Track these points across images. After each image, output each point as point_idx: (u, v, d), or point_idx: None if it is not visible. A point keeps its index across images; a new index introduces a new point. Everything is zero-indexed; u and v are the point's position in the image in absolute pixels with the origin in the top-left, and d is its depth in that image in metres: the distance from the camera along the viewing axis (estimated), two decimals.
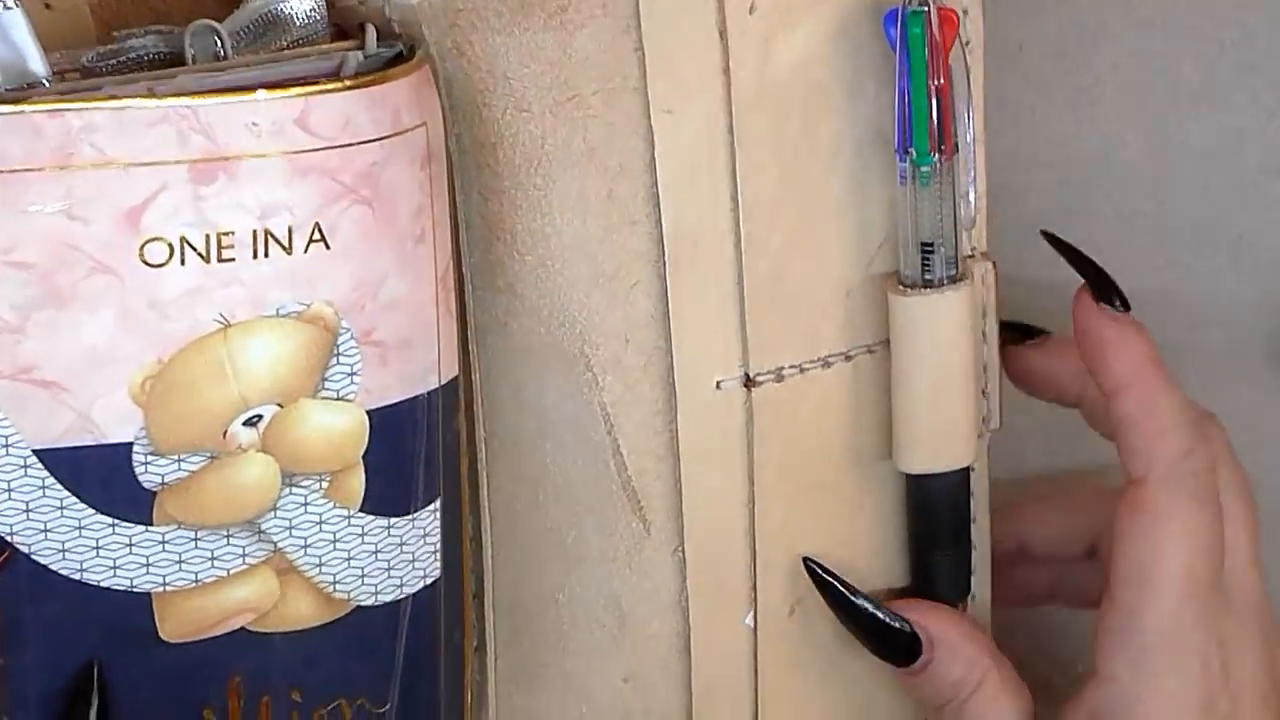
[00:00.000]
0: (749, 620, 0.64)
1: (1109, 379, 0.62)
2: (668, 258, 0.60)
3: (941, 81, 0.59)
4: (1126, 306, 0.63)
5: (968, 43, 0.62)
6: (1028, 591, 0.73)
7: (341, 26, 0.60)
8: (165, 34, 0.58)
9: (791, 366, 0.62)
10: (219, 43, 0.57)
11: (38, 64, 0.54)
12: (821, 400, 0.63)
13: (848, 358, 0.63)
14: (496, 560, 0.65)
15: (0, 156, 0.53)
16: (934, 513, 0.65)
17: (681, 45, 0.59)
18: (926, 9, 0.59)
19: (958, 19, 0.59)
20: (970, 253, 0.64)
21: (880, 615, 0.63)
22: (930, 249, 0.61)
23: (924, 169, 0.61)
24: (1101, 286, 0.63)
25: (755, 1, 0.59)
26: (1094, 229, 0.70)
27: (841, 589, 0.63)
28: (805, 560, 0.63)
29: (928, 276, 0.61)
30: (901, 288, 0.62)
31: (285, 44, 0.58)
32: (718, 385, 0.62)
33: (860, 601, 0.63)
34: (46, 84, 0.54)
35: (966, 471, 0.65)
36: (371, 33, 0.58)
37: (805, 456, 0.64)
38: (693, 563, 0.63)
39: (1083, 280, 0.63)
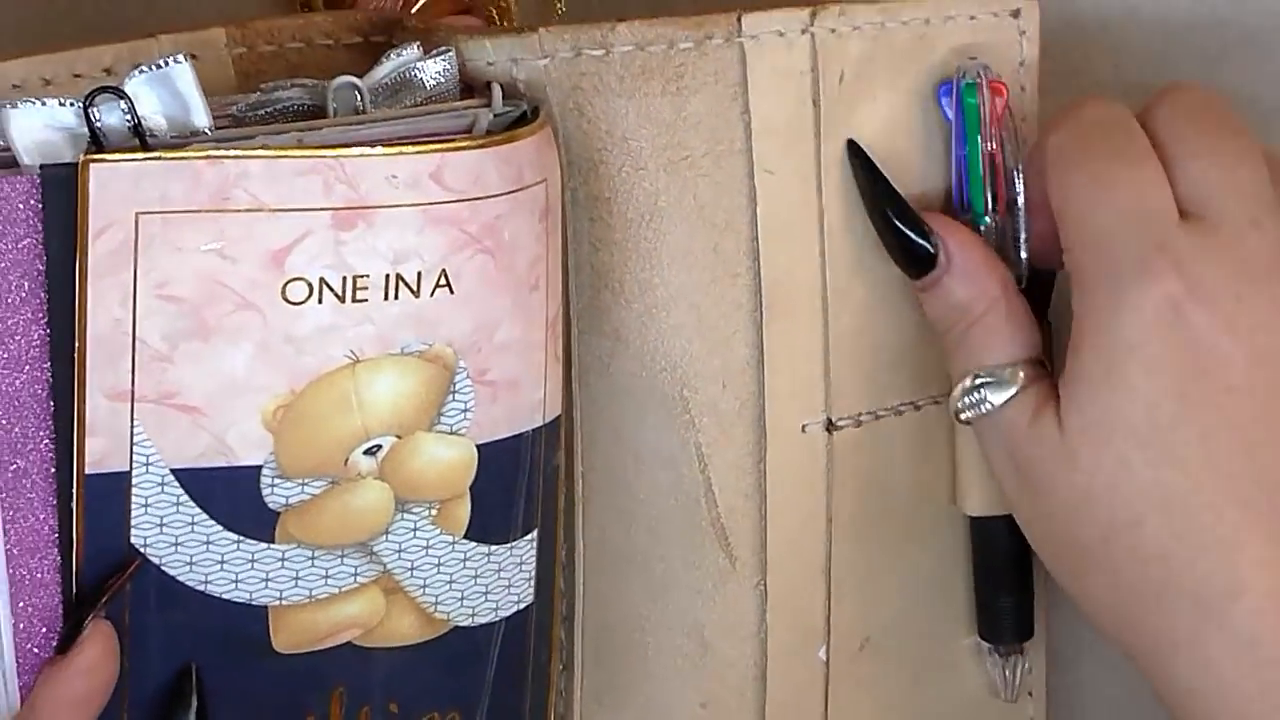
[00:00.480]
0: (822, 653, 0.68)
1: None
2: (764, 307, 0.64)
3: (994, 147, 0.64)
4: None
5: (1023, 119, 0.67)
6: None
7: (469, 84, 0.64)
8: (309, 87, 0.62)
9: (868, 413, 0.67)
10: (359, 97, 0.61)
11: (201, 116, 0.58)
12: (893, 446, 0.67)
13: (916, 407, 0.67)
14: (587, 586, 0.69)
15: (162, 199, 0.57)
16: (995, 555, 0.68)
17: (781, 111, 0.63)
18: (979, 81, 0.63)
19: (1005, 90, 0.63)
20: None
21: (903, 225, 0.63)
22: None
23: (980, 228, 0.65)
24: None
25: (844, 73, 0.63)
26: None
27: (880, 184, 0.64)
28: (849, 142, 0.64)
29: None
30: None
31: (418, 101, 0.62)
32: (803, 429, 0.66)
33: (891, 203, 0.64)
34: (208, 133, 0.58)
35: None
36: (498, 92, 0.62)
37: (878, 498, 0.68)
38: (774, 596, 0.67)
39: None
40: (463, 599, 0.64)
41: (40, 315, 0.58)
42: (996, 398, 0.61)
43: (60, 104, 0.57)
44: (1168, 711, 0.59)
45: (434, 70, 0.62)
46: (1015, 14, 0.65)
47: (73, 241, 0.57)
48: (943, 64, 0.65)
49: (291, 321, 0.59)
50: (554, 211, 0.62)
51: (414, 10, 0.71)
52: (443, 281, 0.60)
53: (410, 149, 0.59)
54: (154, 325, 0.58)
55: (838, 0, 0.62)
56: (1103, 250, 0.58)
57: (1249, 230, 0.58)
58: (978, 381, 0.61)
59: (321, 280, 0.58)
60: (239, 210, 0.57)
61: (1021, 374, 0.61)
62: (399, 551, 0.62)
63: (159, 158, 0.57)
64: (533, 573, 0.65)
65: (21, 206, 0.57)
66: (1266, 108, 0.71)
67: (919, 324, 0.66)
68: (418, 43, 0.63)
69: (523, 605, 0.65)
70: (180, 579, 0.61)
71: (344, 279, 0.59)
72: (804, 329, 0.65)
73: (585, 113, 0.63)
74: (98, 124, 0.57)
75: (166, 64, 0.58)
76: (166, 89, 0.58)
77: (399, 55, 0.62)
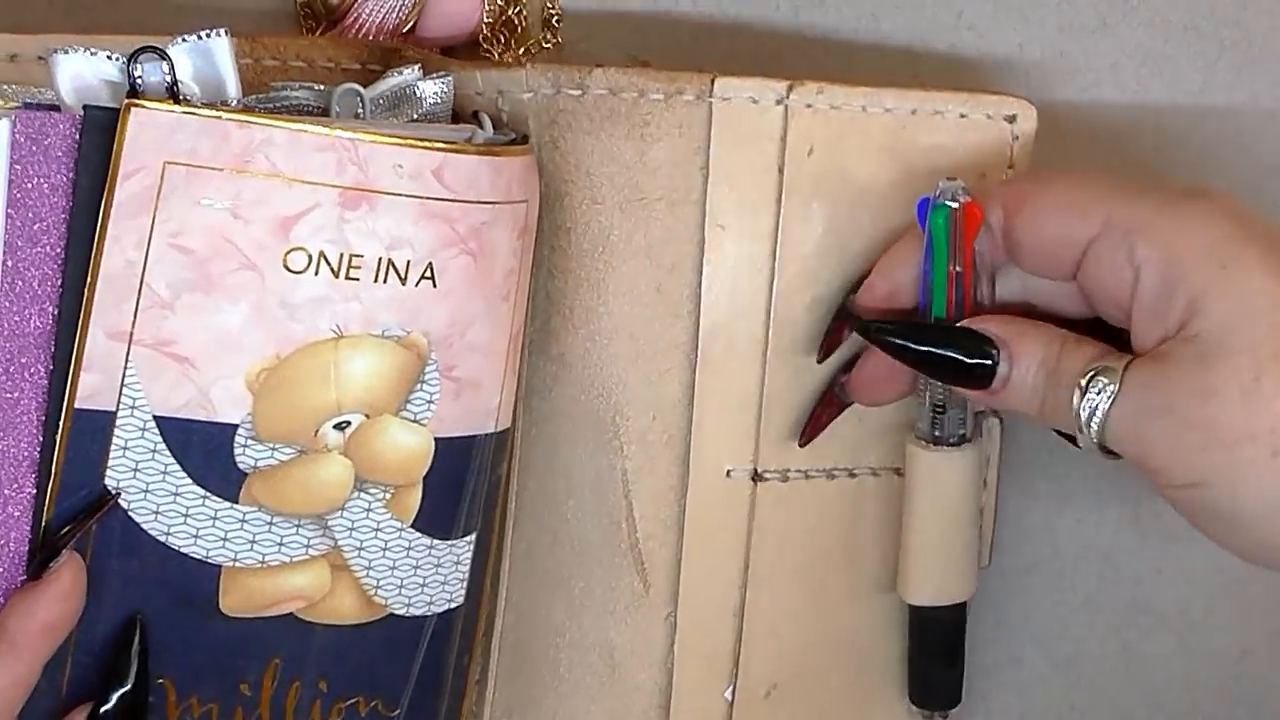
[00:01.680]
0: (728, 693, 0.71)
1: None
2: (700, 352, 0.68)
3: (961, 269, 0.64)
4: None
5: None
6: None
7: (456, 112, 0.69)
8: (315, 91, 0.67)
9: (797, 471, 0.70)
10: (360, 104, 0.67)
11: (232, 88, 0.63)
12: (821, 507, 0.71)
13: (852, 474, 0.71)
14: (509, 600, 0.72)
15: (191, 152, 0.61)
16: (933, 638, 0.71)
17: (743, 173, 0.67)
18: (954, 206, 0.63)
19: (981, 214, 0.63)
20: (983, 409, 0.69)
21: (957, 333, 0.63)
22: (941, 410, 0.67)
23: None
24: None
25: (814, 146, 0.68)
26: None
27: (908, 328, 0.64)
28: (860, 324, 0.66)
29: (937, 434, 0.67)
30: (919, 440, 0.68)
31: (414, 117, 0.68)
32: (728, 474, 0.70)
33: (925, 331, 0.64)
34: (236, 104, 0.63)
35: (964, 604, 0.72)
36: (487, 120, 0.68)
37: (798, 554, 0.71)
38: (683, 630, 0.70)
39: None
40: (401, 587, 0.67)
41: (59, 251, 0.61)
42: (1113, 375, 0.60)
43: (107, 57, 0.62)
44: None
45: (432, 90, 0.68)
46: (1011, 119, 0.68)
47: (102, 182, 0.60)
48: (925, 155, 0.68)
49: (288, 288, 0.63)
50: (530, 233, 0.67)
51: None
52: (428, 274, 0.64)
53: (419, 143, 0.64)
54: (162, 272, 0.62)
55: (819, 79, 0.67)
56: (1163, 193, 0.60)
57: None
58: (1090, 373, 0.60)
59: (321, 253, 0.63)
60: (258, 175, 0.62)
61: (1121, 355, 0.60)
62: (351, 529, 0.66)
63: (194, 113, 0.61)
64: (467, 574, 0.69)
65: (61, 144, 0.61)
66: (1264, 108, 0.73)
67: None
68: (418, 65, 0.68)
69: (454, 605, 0.69)
70: (144, 526, 0.63)
71: (341, 255, 0.63)
72: (739, 379, 0.69)
73: (559, 146, 0.68)
74: (138, 79, 0.61)
75: (207, 36, 0.63)
76: (204, 59, 0.63)
77: (400, 74, 0.68)
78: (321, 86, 0.67)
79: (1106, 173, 0.63)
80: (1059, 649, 0.77)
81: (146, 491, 0.63)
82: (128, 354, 0.62)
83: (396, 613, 0.67)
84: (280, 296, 0.62)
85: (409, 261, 0.64)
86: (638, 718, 0.71)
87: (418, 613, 0.67)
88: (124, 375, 0.62)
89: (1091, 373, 0.60)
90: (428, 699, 0.69)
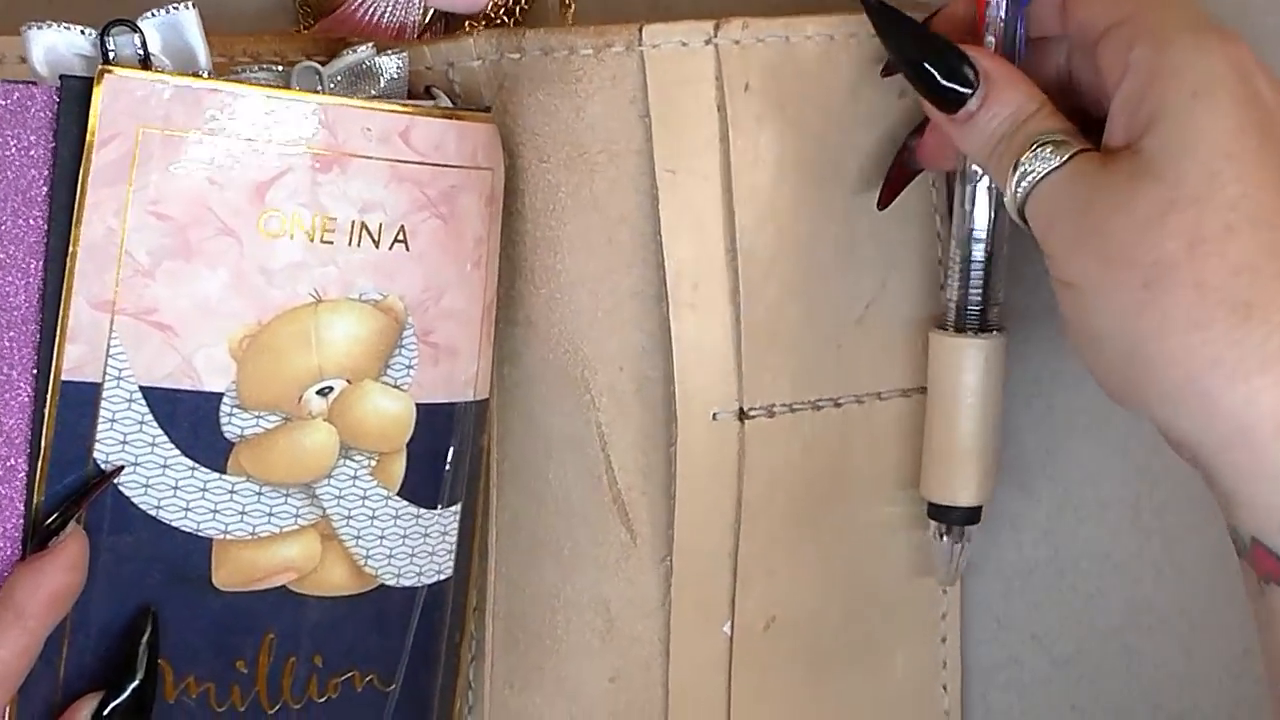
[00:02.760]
0: (726, 629, 0.71)
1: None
2: (670, 298, 0.69)
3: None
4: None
5: None
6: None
7: (410, 90, 0.71)
8: (275, 71, 0.68)
9: (783, 405, 0.70)
10: (319, 81, 0.68)
11: (202, 58, 0.64)
12: (810, 439, 0.71)
13: (837, 404, 0.72)
14: (498, 570, 0.72)
15: (166, 119, 0.62)
16: None
17: (684, 116, 0.68)
18: None
19: None
20: (999, 302, 0.70)
21: (937, 69, 0.63)
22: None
23: None
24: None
25: (749, 81, 0.69)
26: None
27: (905, 27, 0.64)
28: (865, 1, 0.64)
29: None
30: (948, 330, 0.69)
31: (372, 94, 0.69)
32: (714, 416, 0.70)
33: (920, 44, 0.64)
34: (206, 75, 0.64)
35: None
36: (440, 93, 0.70)
37: (790, 488, 0.71)
38: (678, 573, 0.70)
39: None
40: (390, 556, 0.67)
41: (42, 224, 0.62)
42: (1064, 151, 0.60)
43: (80, 31, 0.63)
44: (1213, 462, 0.58)
45: (389, 64, 0.69)
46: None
47: (81, 151, 0.61)
48: (853, 76, 0.69)
49: (266, 253, 0.64)
50: (497, 201, 0.69)
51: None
52: (400, 237, 0.66)
53: (385, 106, 0.65)
54: (141, 240, 0.62)
55: (742, 14, 0.68)
56: (1183, 9, 0.59)
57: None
58: (1043, 142, 0.60)
59: (295, 217, 0.64)
60: (231, 138, 0.63)
61: (1085, 140, 0.60)
62: (339, 498, 0.66)
63: (166, 80, 0.62)
64: (454, 545, 0.69)
65: (40, 115, 0.62)
66: None
67: (839, 323, 0.71)
68: (370, 43, 0.70)
69: (443, 576, 0.69)
70: (135, 500, 0.63)
71: (315, 219, 0.64)
72: (713, 321, 0.70)
73: (508, 110, 0.70)
74: (111, 52, 0.62)
75: (175, 9, 0.64)
76: (173, 32, 0.64)
77: (355, 51, 0.69)
78: (281, 68, 0.68)
79: None
80: (1059, 649, 0.78)
81: (136, 465, 0.63)
82: (111, 323, 0.62)
83: (387, 583, 0.67)
84: (259, 262, 0.63)
85: (381, 224, 0.65)
86: (640, 668, 0.71)
87: (408, 583, 0.68)
88: (109, 345, 0.62)
89: (1046, 141, 0.60)
90: (423, 673, 0.69)
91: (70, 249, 0.62)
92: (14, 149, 0.61)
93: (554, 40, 0.68)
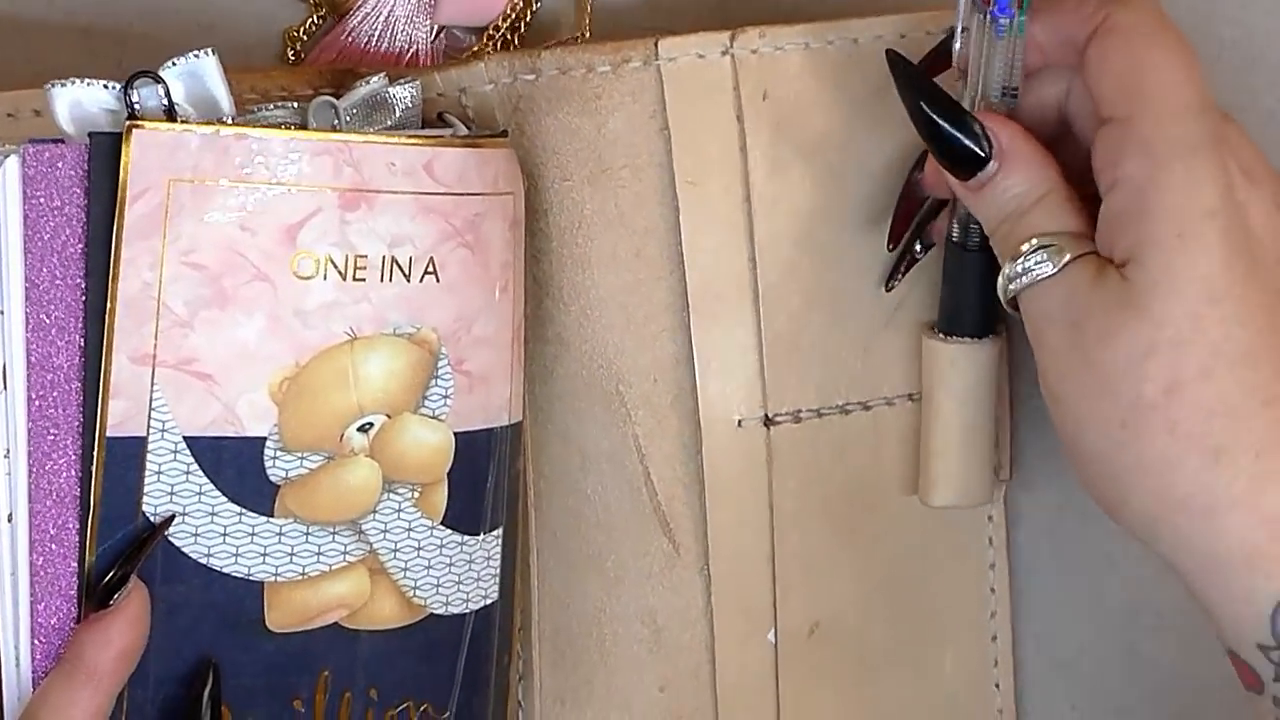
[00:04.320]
0: (771, 636, 0.72)
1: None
2: (692, 309, 0.70)
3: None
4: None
5: None
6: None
7: (423, 118, 0.71)
8: (291, 109, 0.68)
9: (809, 410, 0.71)
10: (335, 115, 0.68)
11: (225, 104, 0.64)
12: (839, 443, 0.72)
13: (866, 407, 0.72)
14: (542, 590, 0.73)
15: (194, 168, 0.62)
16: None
17: (703, 128, 0.69)
18: None
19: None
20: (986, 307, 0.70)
21: (952, 128, 0.63)
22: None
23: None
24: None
25: (768, 90, 0.70)
26: None
27: (923, 89, 0.63)
28: (888, 52, 0.64)
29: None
30: (939, 334, 0.70)
31: (388, 125, 0.69)
32: (739, 424, 0.71)
33: (937, 107, 0.63)
34: (230, 120, 0.64)
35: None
36: (455, 120, 0.70)
37: (823, 493, 0.72)
38: (717, 580, 0.71)
39: None
40: (438, 586, 0.68)
41: (79, 281, 0.62)
42: (1059, 258, 0.60)
43: (103, 86, 0.63)
44: (1191, 582, 0.59)
45: (402, 95, 0.69)
46: (952, 34, 0.67)
47: (113, 207, 0.61)
48: (875, 80, 0.69)
49: (300, 295, 0.64)
50: (519, 225, 0.69)
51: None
52: (430, 269, 0.66)
53: (408, 140, 0.65)
54: (178, 291, 0.62)
55: (759, 23, 0.69)
56: (1181, 123, 0.59)
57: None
58: (1039, 244, 0.61)
59: (328, 258, 0.64)
60: (259, 184, 0.63)
61: (1083, 242, 0.61)
62: (384, 531, 0.66)
63: (192, 129, 0.62)
64: (499, 569, 0.69)
65: (71, 173, 0.62)
66: (1264, 108, 0.73)
67: (866, 327, 0.72)
68: (383, 74, 0.70)
69: (489, 601, 0.69)
70: (185, 550, 0.64)
71: (346, 257, 0.64)
72: (735, 329, 0.71)
73: (524, 131, 0.70)
74: (136, 105, 0.62)
75: (196, 57, 0.64)
76: (195, 80, 0.64)
77: (368, 83, 0.69)
78: (295, 105, 0.68)
79: None
80: (1060, 649, 0.78)
81: (184, 514, 0.63)
82: (152, 376, 0.62)
83: (436, 612, 0.67)
84: (293, 304, 0.63)
85: (411, 258, 0.65)
86: (688, 677, 0.72)
87: (456, 611, 0.68)
88: (151, 398, 0.62)
89: (1045, 243, 0.61)
90: (474, 699, 0.69)
91: (108, 305, 0.61)
92: (47, 209, 0.61)
93: (571, 59, 0.69)
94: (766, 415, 0.71)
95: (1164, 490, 0.59)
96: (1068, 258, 0.61)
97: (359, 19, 0.77)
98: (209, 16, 0.78)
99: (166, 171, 0.61)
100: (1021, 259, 0.62)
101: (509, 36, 0.77)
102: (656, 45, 0.68)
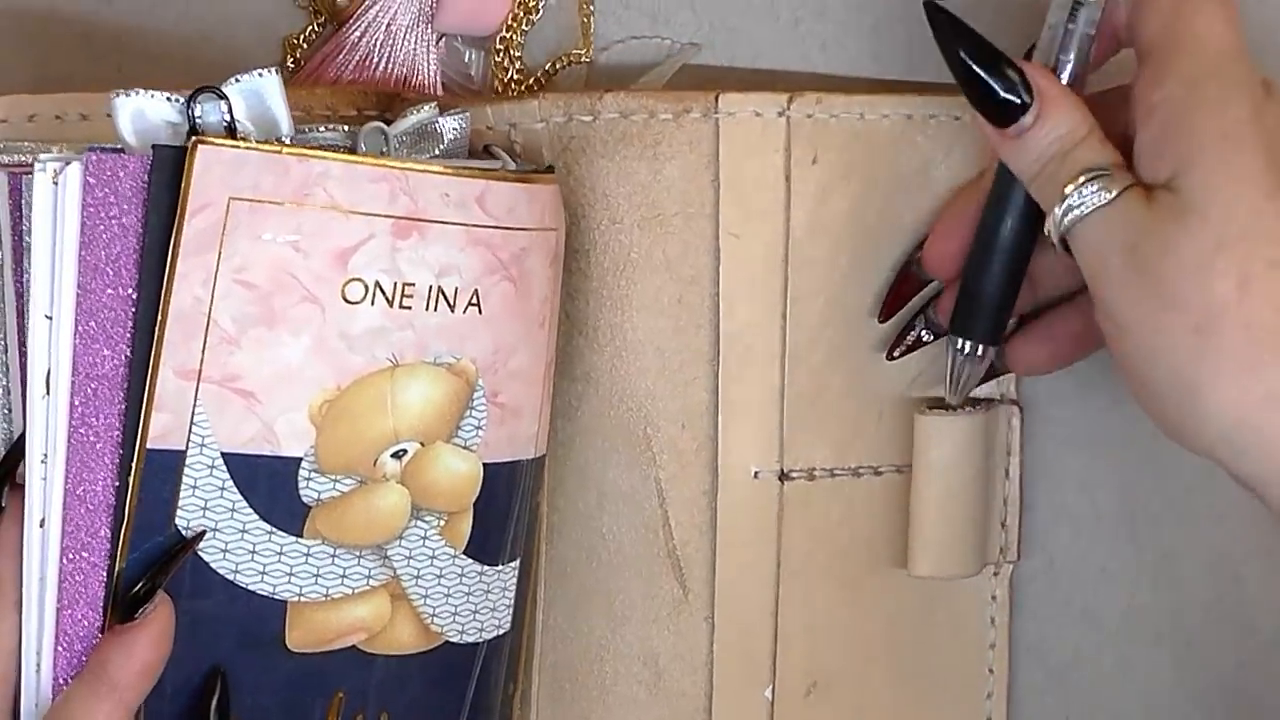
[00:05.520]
0: (768, 693, 0.72)
1: None
2: (721, 357, 0.71)
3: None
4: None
5: None
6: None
7: (469, 148, 0.71)
8: (342, 132, 0.68)
9: (823, 469, 0.72)
10: (385, 142, 0.68)
11: (285, 124, 0.64)
12: (848, 505, 0.72)
13: (877, 472, 0.73)
14: (545, 622, 0.73)
15: (254, 187, 0.62)
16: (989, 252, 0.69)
17: (752, 183, 0.70)
18: None
19: None
20: (999, 397, 0.73)
21: (992, 76, 0.62)
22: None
23: None
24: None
25: (818, 155, 0.71)
26: None
27: (964, 37, 0.63)
28: (926, 4, 0.64)
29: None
30: (925, 409, 0.71)
31: (435, 154, 0.69)
32: (755, 475, 0.72)
33: (979, 53, 0.63)
34: (290, 141, 0.64)
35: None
36: (501, 152, 0.70)
37: (829, 551, 0.73)
38: (720, 630, 0.72)
39: None
40: (455, 614, 0.68)
41: (130, 291, 0.62)
42: (1114, 185, 0.60)
43: (166, 99, 0.63)
44: (1275, 501, 0.59)
45: (451, 125, 0.70)
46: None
47: (171, 220, 0.61)
48: (925, 156, 0.70)
49: (347, 320, 0.64)
50: (559, 262, 0.69)
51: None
52: (474, 300, 0.66)
53: (463, 171, 0.65)
54: (227, 308, 0.62)
55: (817, 89, 0.70)
56: (1216, 59, 0.60)
57: None
58: (1091, 176, 0.61)
59: (377, 284, 0.64)
60: (316, 208, 0.63)
61: (1128, 174, 0.61)
62: (409, 558, 0.67)
63: (256, 148, 0.62)
64: (513, 600, 0.70)
65: (131, 184, 0.61)
66: None
67: (884, 393, 0.73)
68: (434, 104, 0.70)
69: (501, 631, 0.70)
70: (213, 565, 0.64)
71: (395, 285, 0.64)
72: (760, 383, 0.71)
73: (572, 171, 0.71)
74: (198, 119, 0.62)
75: (259, 75, 0.64)
76: (256, 98, 0.64)
77: (419, 111, 0.69)
78: (346, 128, 0.68)
79: None
80: (1055, 660, 0.78)
81: (215, 530, 0.63)
82: (196, 392, 0.62)
83: (451, 640, 0.68)
84: (339, 328, 0.63)
85: (456, 288, 0.65)
86: None
87: (470, 639, 0.68)
88: (193, 413, 0.62)
89: (1096, 174, 0.61)
90: None
91: (159, 318, 0.61)
92: (105, 219, 0.61)
93: (633, 103, 0.69)
94: (782, 470, 0.72)
95: (1245, 393, 0.58)
96: (1121, 186, 0.60)
97: (360, 27, 0.77)
98: (208, 23, 0.78)
99: (227, 189, 0.61)
100: (1074, 193, 0.61)
101: (514, 40, 0.76)
102: (717, 99, 0.69)
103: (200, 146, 0.61)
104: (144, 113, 0.62)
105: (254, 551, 0.64)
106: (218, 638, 0.64)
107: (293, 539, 0.64)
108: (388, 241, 0.64)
